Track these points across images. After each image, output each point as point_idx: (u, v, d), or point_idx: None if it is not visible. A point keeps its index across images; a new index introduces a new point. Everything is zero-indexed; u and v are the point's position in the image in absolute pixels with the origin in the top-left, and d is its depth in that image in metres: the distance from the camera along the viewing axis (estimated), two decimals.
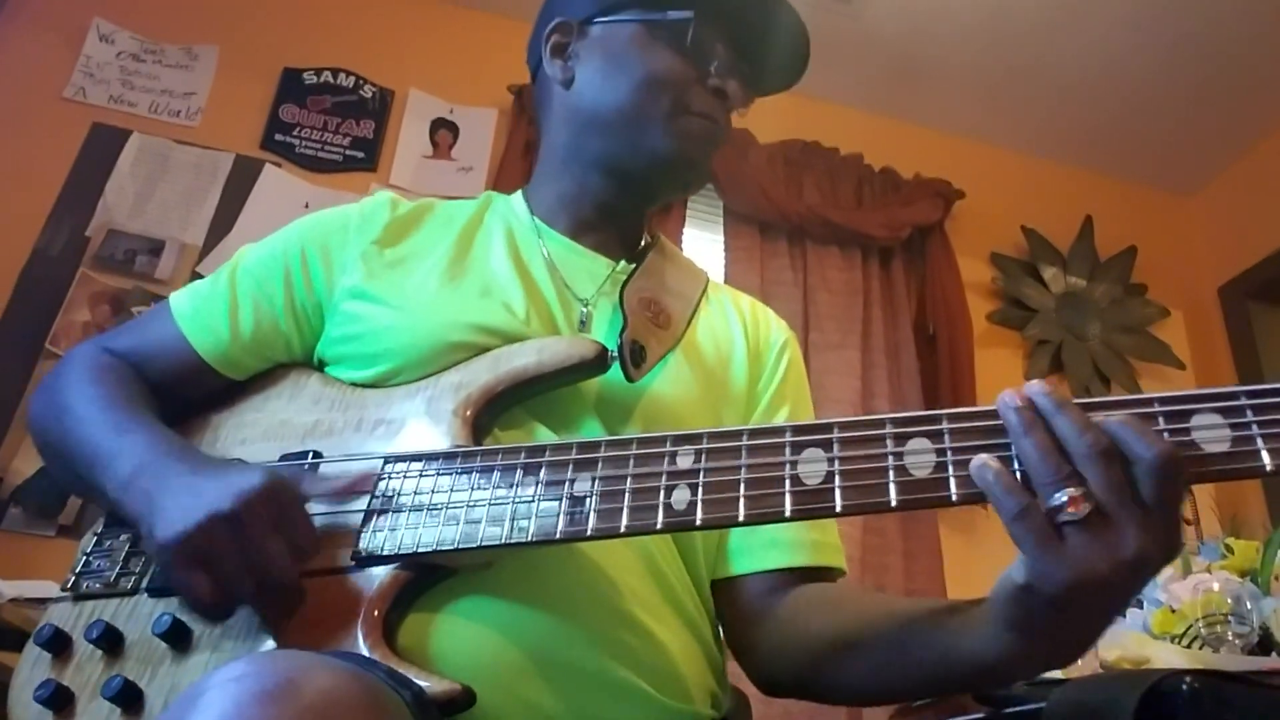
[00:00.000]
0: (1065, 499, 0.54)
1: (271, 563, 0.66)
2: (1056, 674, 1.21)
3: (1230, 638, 1.31)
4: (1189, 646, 1.32)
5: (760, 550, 0.88)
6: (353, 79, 2.75)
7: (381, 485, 0.74)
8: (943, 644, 0.68)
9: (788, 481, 0.62)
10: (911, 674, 0.71)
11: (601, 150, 0.97)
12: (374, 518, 0.72)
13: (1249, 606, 1.33)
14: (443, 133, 2.76)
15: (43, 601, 1.64)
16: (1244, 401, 0.55)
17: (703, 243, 2.82)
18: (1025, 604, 0.57)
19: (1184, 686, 0.88)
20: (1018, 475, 0.56)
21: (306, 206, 2.49)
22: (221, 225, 2.45)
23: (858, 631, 0.76)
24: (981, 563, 2.48)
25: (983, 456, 0.57)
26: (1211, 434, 0.55)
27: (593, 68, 0.97)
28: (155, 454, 0.75)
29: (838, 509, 0.60)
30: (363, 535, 0.71)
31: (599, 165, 0.98)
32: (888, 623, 0.74)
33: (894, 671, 0.73)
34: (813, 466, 0.62)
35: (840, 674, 0.77)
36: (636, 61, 0.94)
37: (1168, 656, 1.23)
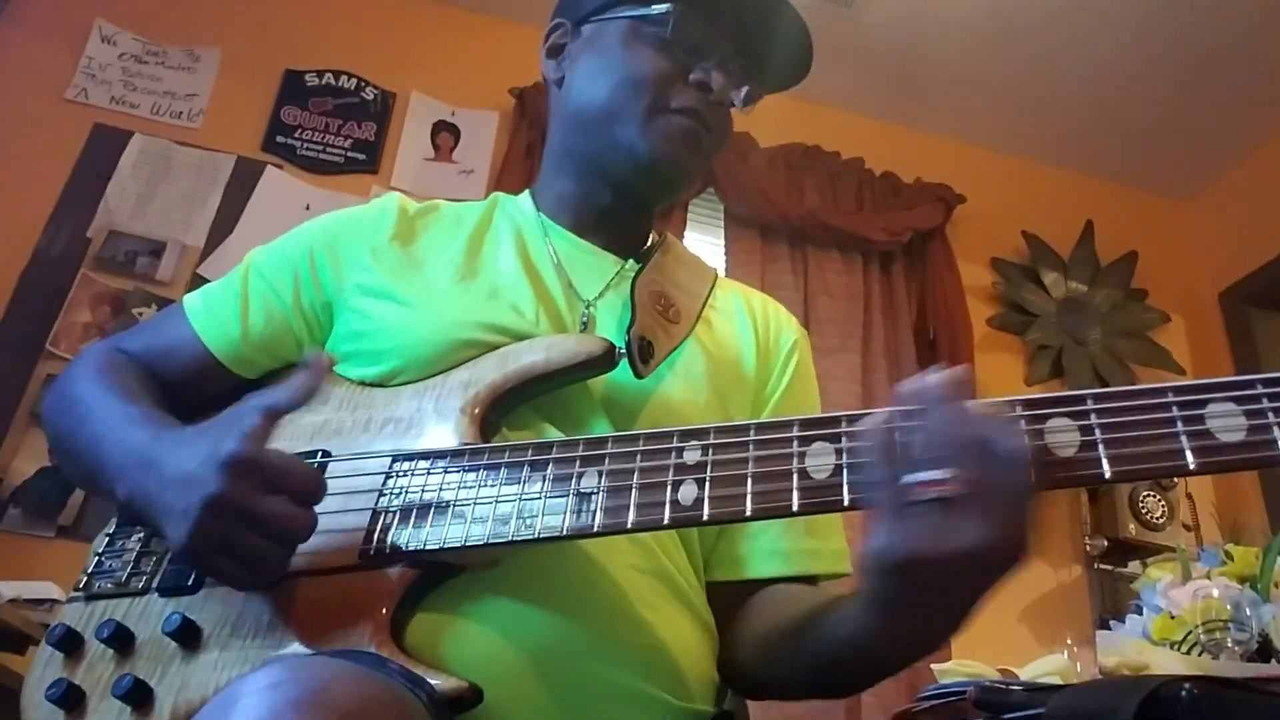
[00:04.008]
0: (917, 480, 0.54)
1: (280, 522, 0.65)
2: (1055, 680, 1.22)
3: (1230, 644, 1.31)
4: (1188, 653, 1.32)
5: (732, 563, 0.89)
6: (354, 81, 2.75)
7: (390, 484, 0.74)
8: (825, 629, 0.70)
9: (795, 475, 0.61)
10: (807, 663, 0.75)
11: (586, 150, 0.97)
12: (382, 516, 0.72)
13: (1248, 613, 1.33)
14: (444, 135, 2.76)
15: (42, 602, 1.65)
16: (1260, 390, 0.54)
17: (703, 246, 2.81)
18: (875, 574, 0.58)
19: (1183, 693, 0.88)
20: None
21: (308, 208, 2.49)
22: (223, 227, 2.45)
23: (772, 628, 0.80)
24: None
25: (878, 424, 0.57)
26: (1227, 423, 0.54)
27: (581, 67, 0.97)
28: (145, 443, 0.74)
29: (845, 503, 0.60)
30: (371, 534, 0.71)
31: (588, 165, 0.98)
32: (793, 615, 0.77)
33: (791, 663, 0.77)
34: (820, 460, 0.61)
35: (759, 671, 0.82)
36: (618, 59, 0.94)
37: (1167, 663, 1.23)
